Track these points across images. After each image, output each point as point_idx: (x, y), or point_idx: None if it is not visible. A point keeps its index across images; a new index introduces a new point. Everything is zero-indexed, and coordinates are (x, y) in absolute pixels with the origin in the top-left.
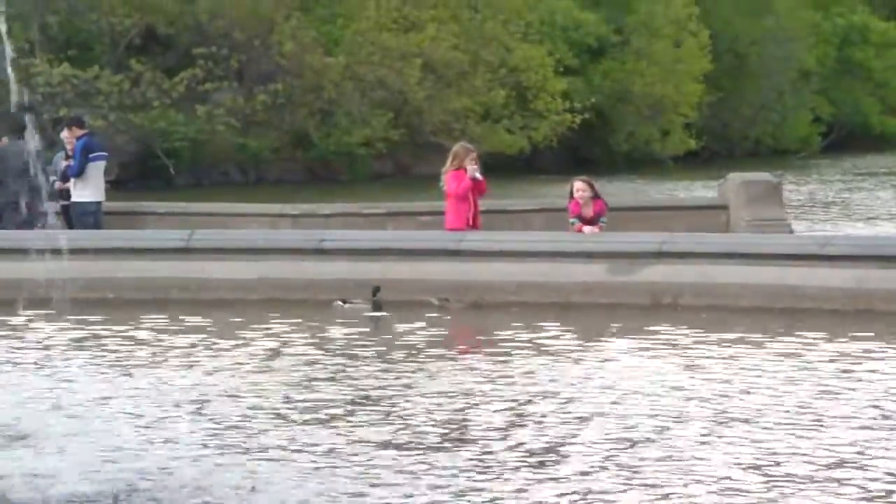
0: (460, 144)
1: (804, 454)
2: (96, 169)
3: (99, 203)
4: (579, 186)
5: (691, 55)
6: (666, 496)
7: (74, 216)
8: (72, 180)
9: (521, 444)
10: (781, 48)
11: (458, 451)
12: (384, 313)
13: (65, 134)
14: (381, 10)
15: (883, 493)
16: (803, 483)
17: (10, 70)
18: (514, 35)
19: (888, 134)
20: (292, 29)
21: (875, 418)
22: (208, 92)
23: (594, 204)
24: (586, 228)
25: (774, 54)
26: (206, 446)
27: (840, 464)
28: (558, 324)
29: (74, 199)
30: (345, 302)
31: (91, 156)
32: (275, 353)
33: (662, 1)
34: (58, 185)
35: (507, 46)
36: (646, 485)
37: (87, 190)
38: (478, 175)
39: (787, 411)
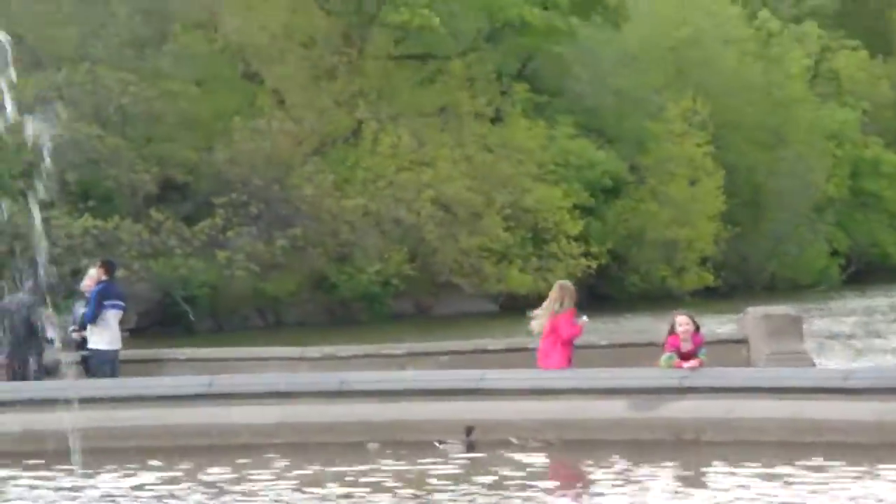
0: (569, 284)
1: None
2: (113, 316)
3: (116, 351)
4: (683, 321)
5: (707, 194)
6: None
7: (92, 365)
8: (88, 327)
9: None
10: (797, 179)
11: None
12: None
13: (86, 282)
14: (396, 148)
15: None
16: None
17: (38, 223)
18: (528, 175)
19: None
20: (309, 173)
21: None
22: (228, 239)
23: (693, 338)
24: (684, 364)
25: (790, 186)
26: None
27: None
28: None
29: (91, 346)
30: (441, 443)
31: (106, 303)
32: None
33: (676, 140)
34: (75, 333)
35: (522, 187)
36: None
37: (104, 337)
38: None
39: None
